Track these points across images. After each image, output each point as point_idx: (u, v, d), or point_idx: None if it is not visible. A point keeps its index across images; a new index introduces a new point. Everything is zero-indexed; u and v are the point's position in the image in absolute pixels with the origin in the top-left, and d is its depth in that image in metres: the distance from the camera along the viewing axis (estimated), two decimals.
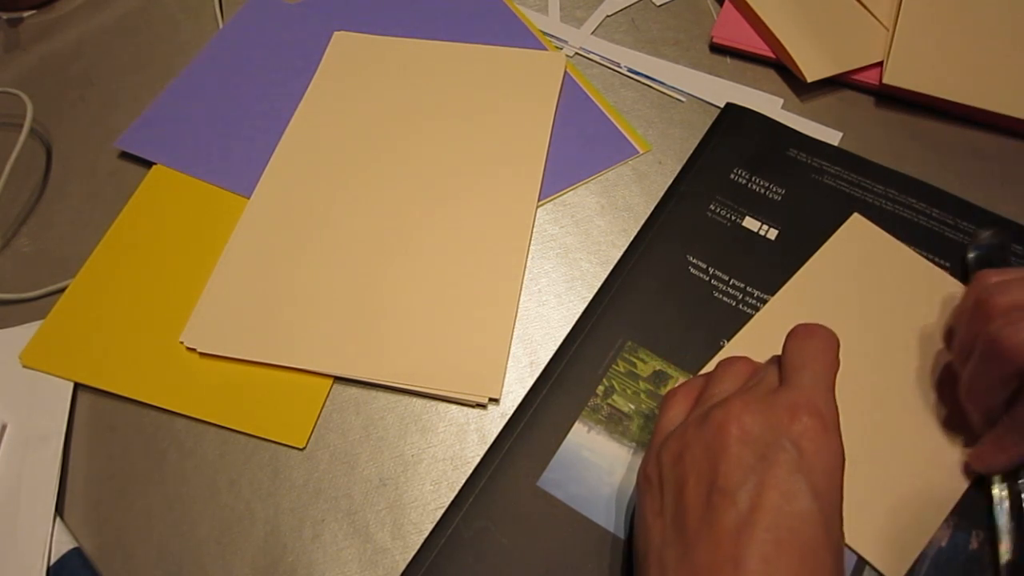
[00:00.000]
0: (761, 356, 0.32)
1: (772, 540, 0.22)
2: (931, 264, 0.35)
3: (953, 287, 0.35)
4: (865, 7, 0.45)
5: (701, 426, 0.25)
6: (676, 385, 0.30)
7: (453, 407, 0.34)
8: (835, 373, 0.26)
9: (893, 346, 0.33)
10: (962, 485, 0.30)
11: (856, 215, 0.37)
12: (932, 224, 0.37)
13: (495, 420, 0.34)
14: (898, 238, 0.36)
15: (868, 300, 0.34)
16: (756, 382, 0.26)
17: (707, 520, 0.23)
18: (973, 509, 0.29)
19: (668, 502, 0.24)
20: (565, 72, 0.45)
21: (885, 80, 0.41)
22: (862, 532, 0.29)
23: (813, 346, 0.26)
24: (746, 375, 0.27)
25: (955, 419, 0.31)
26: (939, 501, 0.29)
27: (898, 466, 0.30)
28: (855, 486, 0.29)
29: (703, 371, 0.31)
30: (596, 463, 0.31)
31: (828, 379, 0.25)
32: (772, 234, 0.37)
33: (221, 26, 0.50)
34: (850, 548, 0.29)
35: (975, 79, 0.41)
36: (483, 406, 0.34)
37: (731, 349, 0.34)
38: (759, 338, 0.33)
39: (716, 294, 0.35)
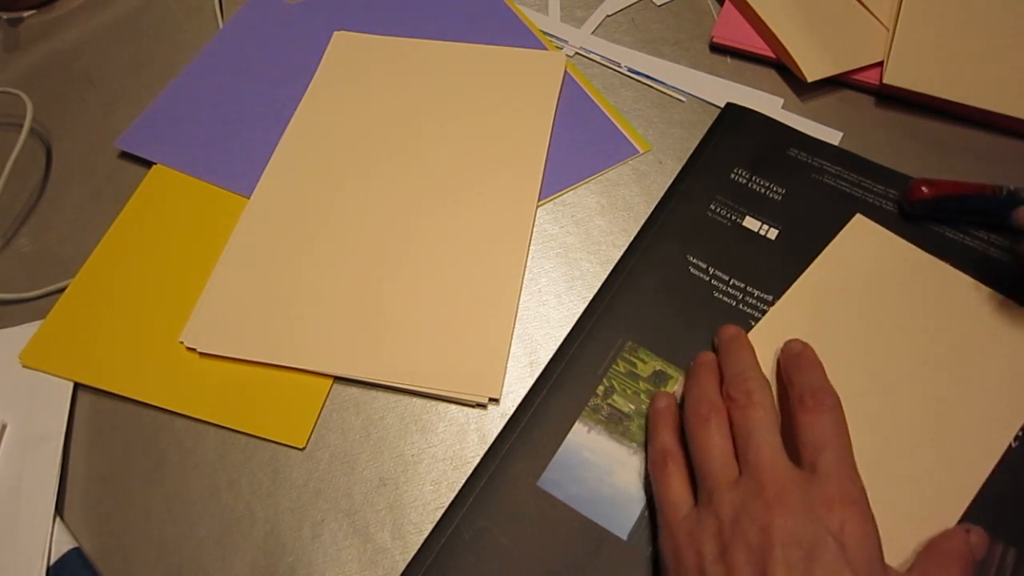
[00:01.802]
0: (765, 363, 0.32)
1: None
2: (937, 260, 0.35)
3: (962, 282, 0.35)
4: (865, 7, 0.45)
5: (742, 522, 0.25)
6: (659, 448, 0.30)
7: (453, 407, 0.34)
8: (851, 445, 0.27)
9: (904, 345, 0.33)
10: (974, 489, 0.30)
11: (858, 215, 0.37)
12: (932, 224, 0.37)
13: (495, 420, 0.34)
14: (902, 238, 0.36)
15: (876, 300, 0.34)
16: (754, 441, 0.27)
17: None
18: (974, 509, 0.29)
19: None
20: (565, 72, 0.45)
21: (885, 80, 0.41)
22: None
23: (828, 422, 0.27)
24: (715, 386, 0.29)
25: (971, 421, 0.31)
26: (951, 506, 0.29)
27: (908, 470, 0.30)
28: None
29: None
30: (596, 463, 0.31)
31: (851, 457, 0.26)
32: (772, 234, 0.37)
33: (221, 26, 0.50)
34: None
35: (975, 79, 0.41)
36: (483, 406, 0.34)
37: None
38: (764, 344, 0.33)
39: (716, 294, 0.35)
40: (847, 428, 0.27)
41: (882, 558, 0.24)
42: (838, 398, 0.28)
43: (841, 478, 0.25)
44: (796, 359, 0.31)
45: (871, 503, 0.25)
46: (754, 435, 0.27)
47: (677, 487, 0.28)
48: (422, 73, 0.45)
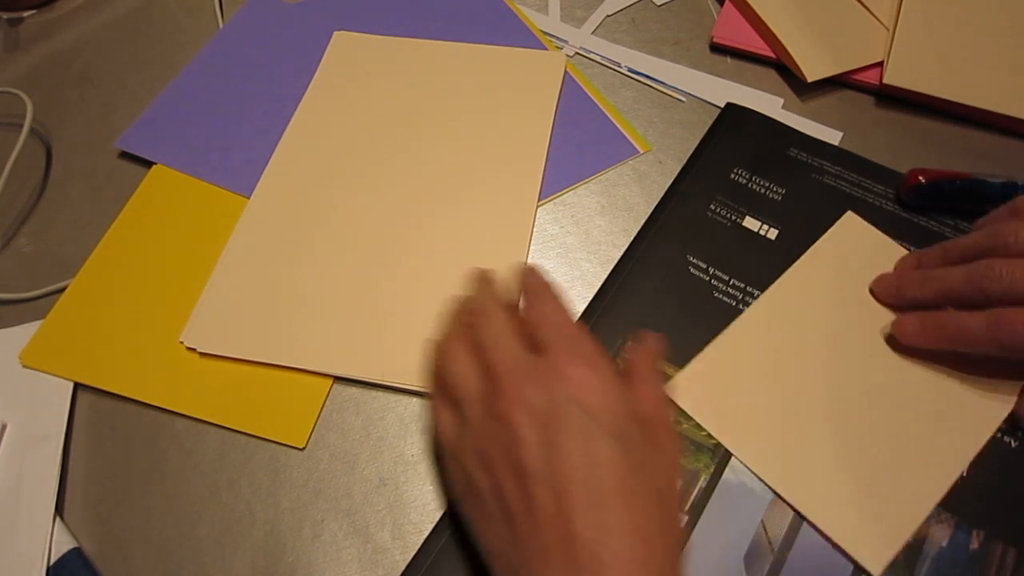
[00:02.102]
0: (750, 355, 0.32)
1: (591, 503, 0.23)
2: None
3: None
4: (865, 7, 0.45)
5: (488, 424, 0.25)
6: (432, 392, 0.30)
7: None
8: (571, 318, 0.28)
9: (883, 340, 0.33)
10: (954, 474, 0.30)
11: (850, 213, 0.37)
12: (932, 224, 0.37)
13: None
14: (898, 238, 0.36)
15: (861, 296, 0.34)
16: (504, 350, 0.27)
17: (530, 510, 0.23)
18: (974, 509, 0.29)
19: (493, 508, 0.25)
20: (565, 72, 0.45)
21: (885, 80, 0.41)
22: (844, 523, 0.29)
23: (545, 306, 0.28)
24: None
25: (949, 410, 0.31)
26: (928, 492, 0.30)
27: (888, 457, 0.30)
28: (843, 478, 0.30)
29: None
30: None
31: (571, 325, 0.28)
32: (772, 234, 0.37)
33: (221, 26, 0.50)
34: (827, 538, 0.29)
35: (975, 79, 0.41)
36: None
37: (719, 345, 0.34)
38: (749, 335, 0.33)
39: (716, 294, 0.35)
40: (566, 308, 0.28)
41: (623, 406, 0.25)
42: (544, 274, 0.30)
43: (568, 344, 0.26)
44: (528, 296, 0.30)
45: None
46: (486, 344, 0.27)
47: (444, 418, 0.28)
48: (422, 73, 0.45)
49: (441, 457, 0.29)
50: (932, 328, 0.31)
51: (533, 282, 0.30)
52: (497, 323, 0.28)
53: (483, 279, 0.32)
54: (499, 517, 0.25)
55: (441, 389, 0.29)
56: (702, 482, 0.31)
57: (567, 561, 0.22)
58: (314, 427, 0.34)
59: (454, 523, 0.30)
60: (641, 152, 0.42)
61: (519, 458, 0.24)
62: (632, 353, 0.30)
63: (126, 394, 0.35)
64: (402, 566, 0.30)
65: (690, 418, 0.32)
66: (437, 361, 0.29)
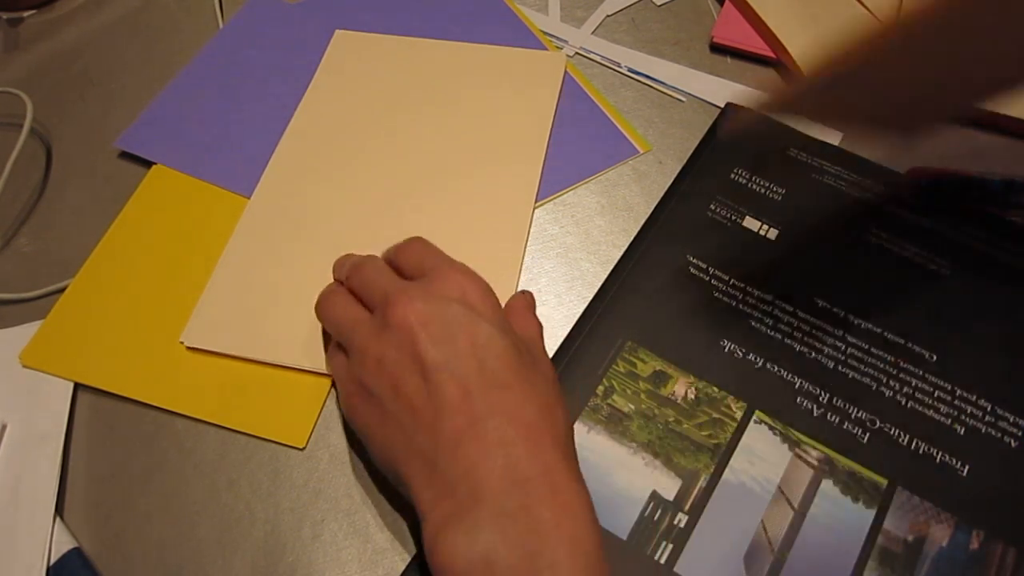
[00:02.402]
0: (292, 198, 0.40)
1: (492, 384, 0.25)
2: (425, 40, 0.45)
3: (451, 47, 0.45)
4: (865, 7, 0.45)
5: (384, 331, 0.27)
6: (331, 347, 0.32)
7: None
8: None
9: (426, 118, 0.40)
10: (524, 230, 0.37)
11: (337, 32, 0.44)
12: (932, 224, 0.37)
13: None
14: (898, 238, 0.36)
15: (386, 93, 0.41)
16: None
17: (434, 399, 0.25)
18: (974, 509, 0.29)
19: (390, 408, 0.26)
20: (565, 72, 0.45)
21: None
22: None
23: (415, 245, 0.32)
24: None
25: (504, 164, 0.39)
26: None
27: (462, 232, 0.36)
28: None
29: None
30: (596, 463, 0.31)
31: (444, 254, 0.31)
32: (772, 234, 0.37)
33: (221, 26, 0.50)
34: None
35: None
36: None
37: (262, 192, 0.40)
38: (288, 171, 0.40)
39: (716, 294, 0.35)
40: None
41: (503, 314, 0.29)
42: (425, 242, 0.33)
43: (447, 260, 0.30)
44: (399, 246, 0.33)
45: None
46: (366, 280, 0.30)
47: (338, 361, 0.30)
48: (422, 73, 0.45)
49: (347, 414, 0.30)
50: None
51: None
52: (372, 265, 0.31)
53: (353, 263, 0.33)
54: (405, 418, 0.26)
55: (331, 342, 0.31)
56: (702, 482, 0.31)
57: (477, 441, 0.24)
58: (314, 427, 0.34)
59: None
60: (641, 152, 0.42)
61: (419, 353, 0.26)
62: (510, 299, 0.33)
63: (126, 394, 0.35)
64: (402, 566, 0.30)
65: (691, 417, 0.32)
66: (322, 317, 0.32)
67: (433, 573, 0.24)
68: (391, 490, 0.32)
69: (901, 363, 0.33)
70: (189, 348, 0.36)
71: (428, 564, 0.24)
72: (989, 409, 0.32)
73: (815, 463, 0.31)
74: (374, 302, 0.29)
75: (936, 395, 0.32)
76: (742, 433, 0.32)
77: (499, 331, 0.27)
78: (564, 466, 0.25)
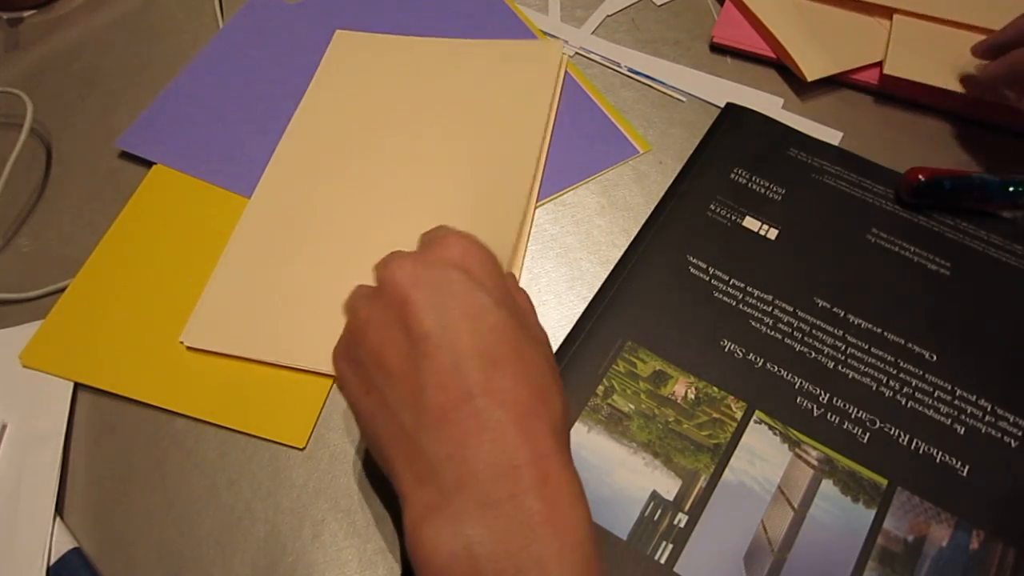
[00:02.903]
0: (292, 198, 0.40)
1: (486, 358, 0.23)
2: (427, 39, 0.45)
3: (453, 45, 0.45)
4: (864, 7, 0.45)
5: (374, 294, 0.26)
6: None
7: None
8: None
9: (427, 115, 0.41)
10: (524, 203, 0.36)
11: (337, 32, 0.44)
12: (932, 224, 0.37)
13: None
14: (899, 238, 0.37)
15: (387, 92, 0.42)
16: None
17: (420, 369, 0.23)
18: (974, 509, 0.29)
19: (376, 378, 0.24)
20: (565, 72, 0.45)
21: (886, 71, 0.41)
22: None
23: (436, 229, 0.29)
24: None
25: (502, 151, 0.40)
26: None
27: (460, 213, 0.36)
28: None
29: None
30: (596, 463, 0.31)
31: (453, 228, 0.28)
32: (772, 234, 0.37)
33: (221, 26, 0.50)
34: None
35: (974, 71, 0.41)
36: None
37: (262, 192, 0.40)
38: (288, 171, 0.40)
39: (716, 294, 0.35)
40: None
41: (502, 273, 0.27)
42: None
43: (450, 231, 0.27)
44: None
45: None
46: (379, 266, 0.27)
47: (338, 340, 0.29)
48: (422, 71, 0.45)
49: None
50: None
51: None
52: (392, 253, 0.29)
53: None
54: (389, 389, 0.24)
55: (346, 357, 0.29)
56: (702, 482, 0.31)
57: (464, 422, 0.22)
58: (314, 427, 0.34)
59: None
60: (641, 152, 0.42)
61: (406, 317, 0.24)
62: None
63: (126, 394, 0.35)
64: (402, 567, 0.30)
65: (691, 417, 0.32)
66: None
67: (413, 564, 0.22)
68: (391, 490, 0.32)
69: (901, 363, 0.33)
70: (189, 348, 0.36)
71: (408, 554, 0.23)
72: (989, 409, 0.32)
73: (815, 463, 0.31)
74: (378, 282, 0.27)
75: (936, 395, 0.32)
76: (742, 433, 0.32)
77: (496, 302, 0.25)
78: (557, 453, 0.23)
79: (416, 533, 0.22)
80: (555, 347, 0.35)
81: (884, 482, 0.30)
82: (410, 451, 0.23)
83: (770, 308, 0.35)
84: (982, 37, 0.41)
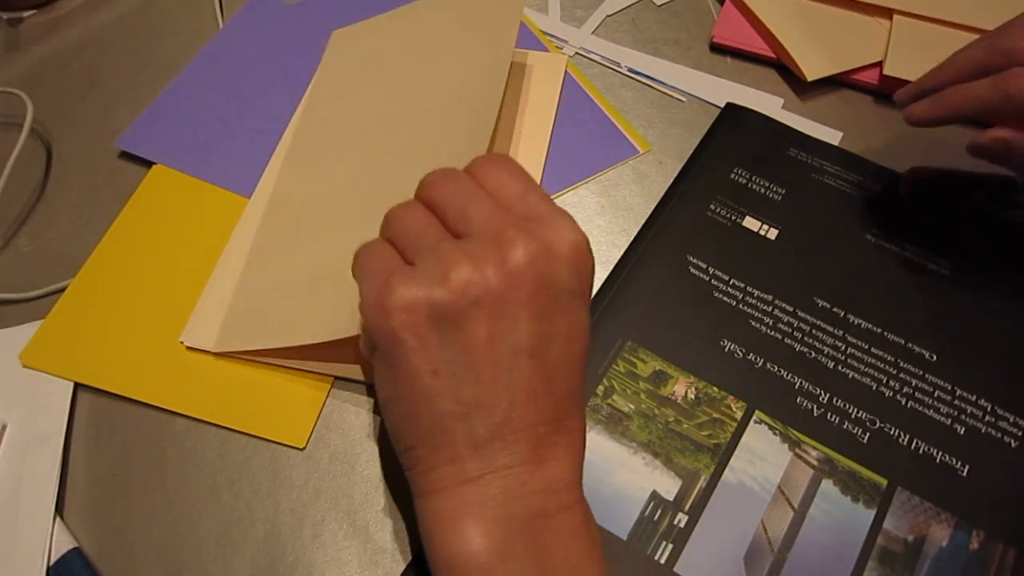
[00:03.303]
0: (292, 198, 0.40)
1: (569, 392, 0.24)
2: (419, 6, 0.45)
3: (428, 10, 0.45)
4: (863, 7, 0.45)
5: (488, 265, 0.23)
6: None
7: None
8: None
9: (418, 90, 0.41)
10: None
11: (334, 32, 0.45)
12: (932, 224, 0.37)
13: None
14: (898, 238, 0.37)
15: (387, 91, 0.42)
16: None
17: (513, 382, 0.23)
18: (974, 509, 0.29)
19: (456, 365, 0.22)
20: (565, 72, 0.45)
21: (886, 71, 0.41)
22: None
23: (504, 171, 0.26)
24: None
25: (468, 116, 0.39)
26: None
27: None
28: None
29: None
30: (596, 463, 0.31)
31: (542, 192, 0.26)
32: (772, 234, 0.37)
33: (221, 26, 0.50)
34: None
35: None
36: None
37: (262, 192, 0.40)
38: (288, 171, 0.40)
39: (716, 294, 0.35)
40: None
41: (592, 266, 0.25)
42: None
43: (556, 212, 0.25)
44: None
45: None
46: (453, 198, 0.25)
47: (376, 249, 0.26)
48: (423, 73, 0.45)
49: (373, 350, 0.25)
50: (939, 99, 0.33)
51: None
52: (461, 182, 0.26)
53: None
54: (464, 355, 0.22)
55: (380, 258, 0.25)
56: (702, 482, 0.31)
57: (559, 437, 0.23)
58: (314, 427, 0.34)
59: None
60: (641, 152, 0.42)
61: (524, 329, 0.22)
62: None
63: (126, 394, 0.35)
64: (402, 566, 0.30)
65: (691, 417, 0.32)
66: (388, 226, 0.26)
67: (432, 536, 0.23)
68: (391, 490, 0.32)
69: (901, 363, 0.33)
70: (189, 348, 0.36)
71: (426, 519, 0.23)
72: (989, 409, 0.32)
73: (815, 463, 0.31)
74: (465, 217, 0.24)
75: (936, 395, 0.32)
76: (742, 433, 0.32)
77: (587, 312, 0.24)
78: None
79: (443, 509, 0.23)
80: None
81: (884, 482, 0.30)
82: (454, 427, 0.23)
83: (770, 308, 0.35)
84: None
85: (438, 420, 0.23)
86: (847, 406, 0.32)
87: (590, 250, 0.24)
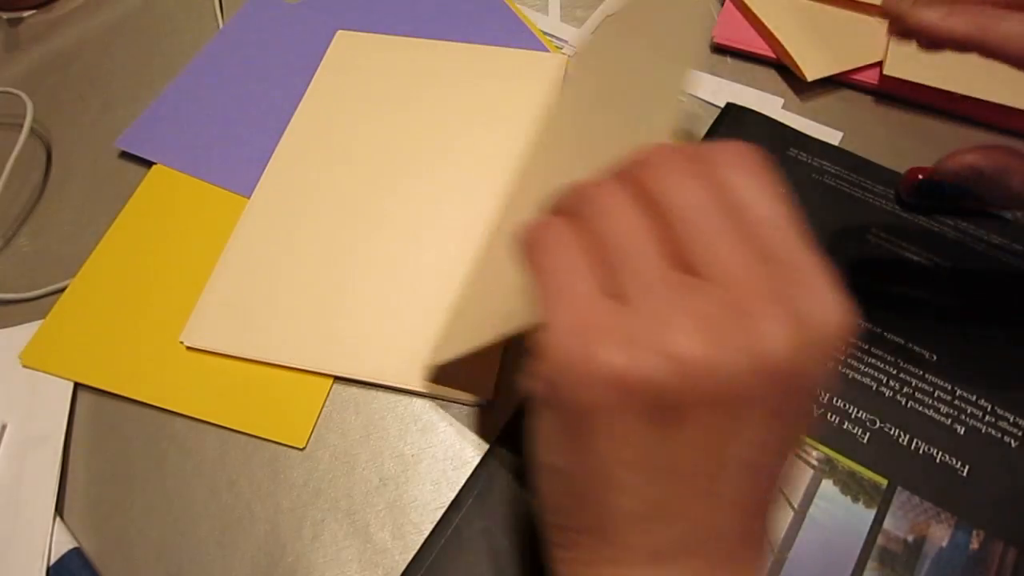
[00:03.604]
0: (292, 198, 0.40)
1: (778, 484, 0.19)
2: (430, 41, 0.45)
3: (451, 48, 0.45)
4: (863, 7, 0.45)
5: (748, 321, 0.17)
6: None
7: (453, 407, 0.34)
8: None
9: (428, 118, 0.42)
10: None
11: (339, 32, 0.45)
12: (932, 224, 0.37)
13: (495, 420, 0.34)
14: (898, 238, 0.36)
15: (387, 93, 0.43)
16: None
17: (729, 485, 0.18)
18: (974, 509, 0.29)
19: (654, 458, 0.17)
20: (565, 72, 0.45)
21: (886, 71, 0.41)
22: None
23: (763, 204, 0.20)
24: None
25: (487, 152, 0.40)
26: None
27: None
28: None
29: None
30: None
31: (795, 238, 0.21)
32: None
33: (221, 26, 0.50)
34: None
35: (975, 71, 0.41)
36: (483, 406, 0.34)
37: (262, 192, 0.40)
38: (288, 171, 0.40)
39: None
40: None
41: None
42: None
43: (808, 261, 0.20)
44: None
45: None
46: (670, 195, 0.18)
47: (579, 282, 0.18)
48: (423, 74, 0.45)
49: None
50: (965, 12, 0.25)
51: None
52: (701, 181, 0.19)
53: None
54: (665, 480, 0.18)
55: (573, 273, 0.18)
56: None
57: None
58: (314, 427, 0.34)
59: (454, 523, 0.30)
60: None
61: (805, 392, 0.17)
62: None
63: (126, 394, 0.35)
64: (402, 566, 0.30)
65: None
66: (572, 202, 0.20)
67: None
68: (391, 490, 0.32)
69: (901, 363, 0.33)
70: (189, 348, 0.36)
71: None
72: (989, 409, 0.32)
73: (815, 463, 0.31)
74: (690, 230, 0.18)
75: (936, 395, 0.32)
76: None
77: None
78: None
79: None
80: None
81: (884, 482, 0.30)
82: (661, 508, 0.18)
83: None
84: None
85: (613, 515, 0.18)
86: (847, 406, 0.32)
87: (847, 308, 0.19)
